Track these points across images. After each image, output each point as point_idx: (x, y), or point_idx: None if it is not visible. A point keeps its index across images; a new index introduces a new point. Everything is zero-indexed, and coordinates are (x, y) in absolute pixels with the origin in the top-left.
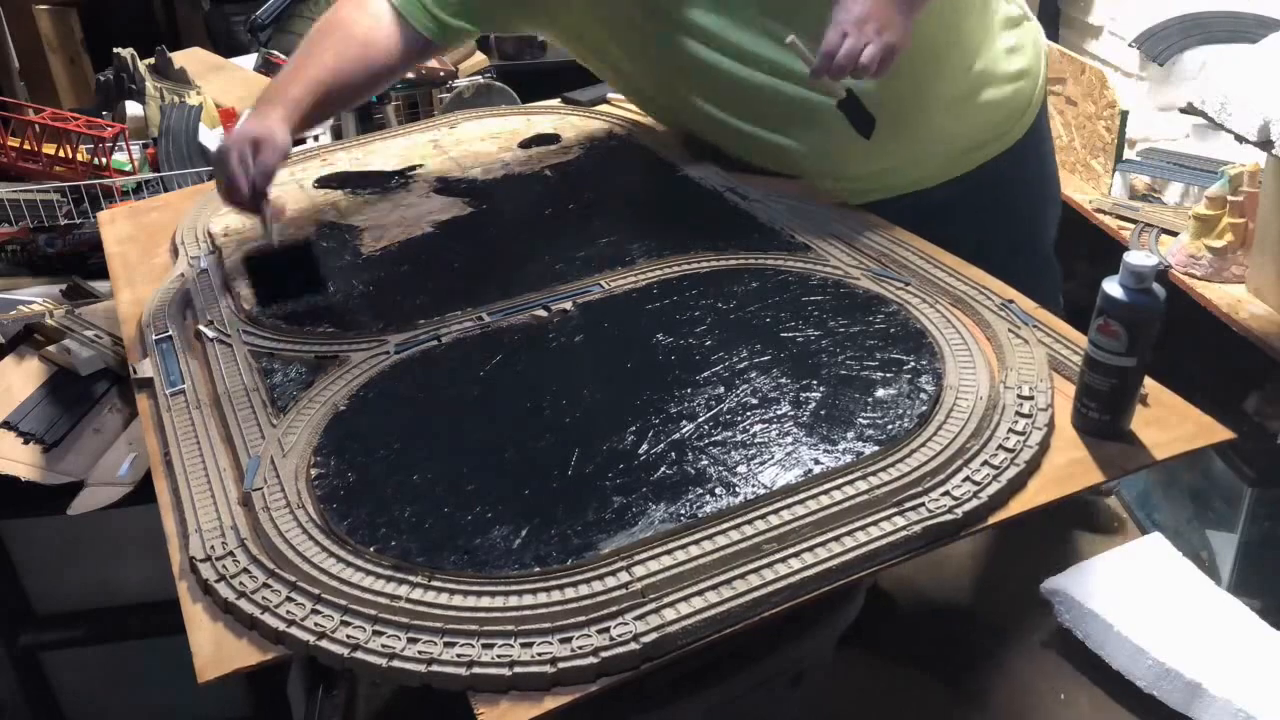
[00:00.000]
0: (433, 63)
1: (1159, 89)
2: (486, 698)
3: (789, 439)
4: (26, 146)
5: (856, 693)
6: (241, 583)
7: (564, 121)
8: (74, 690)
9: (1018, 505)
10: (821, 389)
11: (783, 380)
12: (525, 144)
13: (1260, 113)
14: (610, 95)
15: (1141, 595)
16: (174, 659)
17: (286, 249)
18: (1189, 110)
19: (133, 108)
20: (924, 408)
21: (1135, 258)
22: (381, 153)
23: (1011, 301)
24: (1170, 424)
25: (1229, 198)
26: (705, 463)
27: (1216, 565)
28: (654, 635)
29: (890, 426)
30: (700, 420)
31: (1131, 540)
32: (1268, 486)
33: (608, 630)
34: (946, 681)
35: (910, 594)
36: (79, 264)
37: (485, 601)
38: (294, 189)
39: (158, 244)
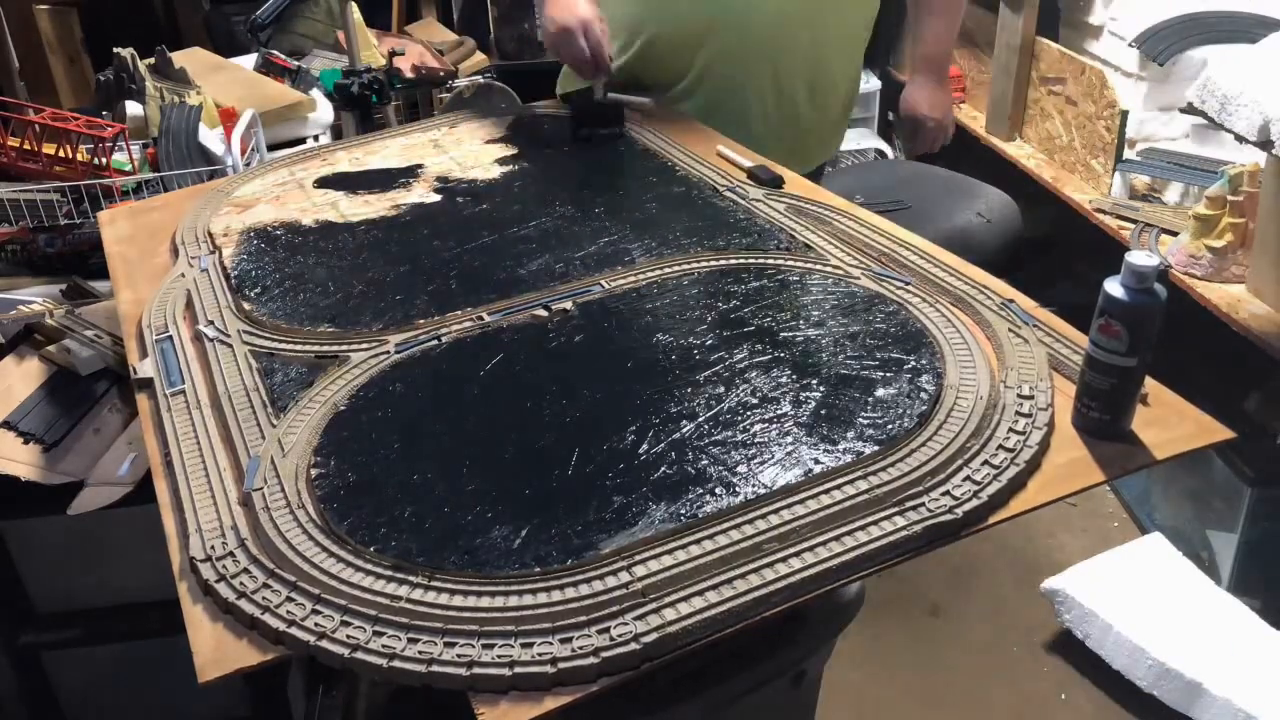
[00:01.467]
0: (433, 62)
1: (1159, 89)
2: (486, 698)
3: (789, 439)
4: (26, 146)
5: (856, 693)
6: (242, 583)
7: (564, 121)
8: (74, 690)
9: (1018, 505)
10: (822, 388)
11: (783, 380)
12: (524, 144)
13: (1260, 113)
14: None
15: (1141, 595)
16: (174, 659)
17: (606, 104)
18: (1189, 110)
19: (133, 108)
20: (924, 407)
21: (1137, 257)
22: (381, 153)
23: (1012, 301)
24: (1170, 424)
25: (1229, 198)
26: (705, 462)
27: (1216, 565)
28: (654, 635)
29: (890, 426)
30: (700, 420)
31: (1131, 540)
32: (1268, 486)
33: (608, 630)
34: (947, 682)
35: (910, 594)
36: (79, 264)
37: (485, 601)
38: (294, 189)
39: (158, 244)
